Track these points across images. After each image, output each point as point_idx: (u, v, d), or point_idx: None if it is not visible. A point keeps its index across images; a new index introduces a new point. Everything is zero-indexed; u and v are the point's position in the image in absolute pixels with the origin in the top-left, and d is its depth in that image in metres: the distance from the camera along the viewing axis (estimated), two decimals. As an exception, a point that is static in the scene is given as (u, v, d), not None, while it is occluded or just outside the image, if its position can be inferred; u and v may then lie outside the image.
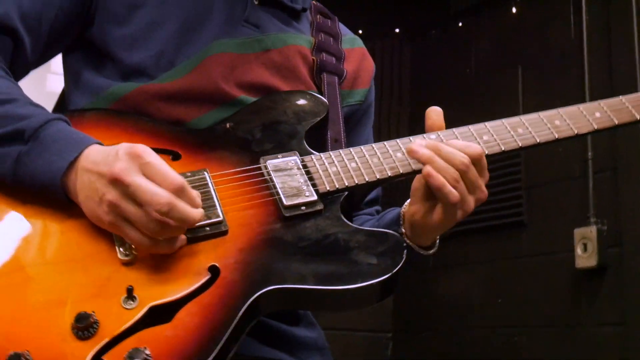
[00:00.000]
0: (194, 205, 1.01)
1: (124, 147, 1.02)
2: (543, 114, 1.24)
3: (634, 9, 3.16)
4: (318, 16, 1.55)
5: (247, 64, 1.32)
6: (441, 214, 1.12)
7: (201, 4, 1.34)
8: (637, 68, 3.15)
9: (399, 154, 1.19)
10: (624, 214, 3.23)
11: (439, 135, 1.20)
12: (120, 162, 0.99)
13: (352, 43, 1.56)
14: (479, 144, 1.19)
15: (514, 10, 3.62)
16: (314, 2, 1.58)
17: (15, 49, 1.23)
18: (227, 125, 1.24)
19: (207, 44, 1.29)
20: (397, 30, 4.05)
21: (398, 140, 1.22)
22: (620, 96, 1.29)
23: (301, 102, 1.32)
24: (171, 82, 1.25)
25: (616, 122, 1.27)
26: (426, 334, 4.14)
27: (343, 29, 1.57)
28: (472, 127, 1.22)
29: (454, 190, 1.10)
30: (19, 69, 1.24)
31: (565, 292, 3.45)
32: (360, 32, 3.99)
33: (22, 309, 1.00)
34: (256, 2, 1.39)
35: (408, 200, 1.21)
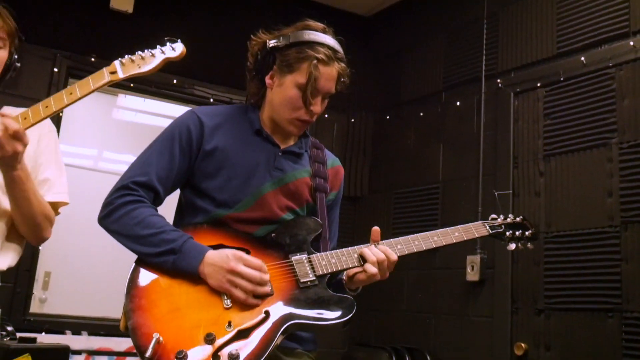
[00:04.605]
0: (265, 280, 1.80)
1: (231, 253, 1.79)
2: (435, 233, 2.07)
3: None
4: (313, 150, 2.13)
5: (277, 195, 1.97)
6: (367, 280, 1.95)
7: (253, 162, 1.97)
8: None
9: (355, 255, 1.95)
10: (496, 249, 4.20)
11: (377, 245, 1.97)
12: (232, 262, 1.77)
13: (332, 164, 2.15)
14: (395, 252, 1.98)
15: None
16: (311, 139, 2.16)
17: (155, 198, 1.93)
18: (273, 235, 1.96)
19: (258, 185, 1.96)
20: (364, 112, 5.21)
21: (356, 247, 1.96)
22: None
23: (309, 222, 2.02)
24: (242, 212, 1.94)
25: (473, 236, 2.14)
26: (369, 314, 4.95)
27: (327, 154, 2.16)
28: (393, 241, 2.00)
29: (378, 277, 1.94)
30: (156, 206, 1.94)
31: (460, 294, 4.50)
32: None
33: (181, 329, 1.72)
34: (280, 154, 2.02)
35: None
